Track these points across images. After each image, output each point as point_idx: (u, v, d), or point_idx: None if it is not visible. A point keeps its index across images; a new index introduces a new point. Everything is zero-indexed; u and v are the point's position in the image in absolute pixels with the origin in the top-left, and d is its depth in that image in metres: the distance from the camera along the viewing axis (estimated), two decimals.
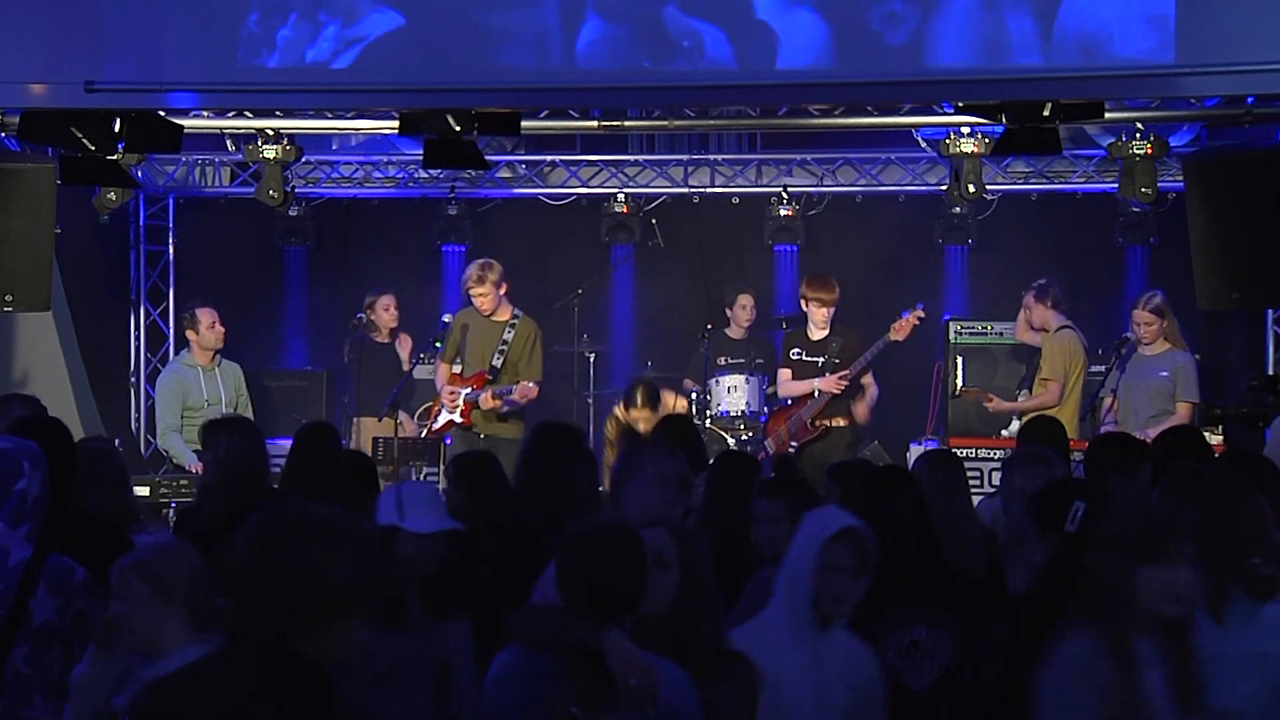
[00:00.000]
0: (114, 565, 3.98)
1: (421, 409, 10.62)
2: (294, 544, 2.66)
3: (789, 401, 10.28)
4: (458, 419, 9.94)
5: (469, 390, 9.89)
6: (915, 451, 10.02)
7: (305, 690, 2.62)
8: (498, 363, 9.90)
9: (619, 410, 9.67)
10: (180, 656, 3.68)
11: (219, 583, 4.09)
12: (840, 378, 9.99)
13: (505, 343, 9.93)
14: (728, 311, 11.08)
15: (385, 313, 11.18)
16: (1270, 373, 10.90)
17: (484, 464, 6.08)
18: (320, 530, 2.68)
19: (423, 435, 10.36)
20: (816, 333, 10.27)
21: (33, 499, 4.61)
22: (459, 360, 10.06)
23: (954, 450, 9.53)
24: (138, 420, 12.43)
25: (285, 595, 2.63)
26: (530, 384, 9.74)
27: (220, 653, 2.71)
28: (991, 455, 9.68)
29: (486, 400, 9.76)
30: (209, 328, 10.44)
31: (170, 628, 3.89)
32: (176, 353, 12.25)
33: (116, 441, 10.78)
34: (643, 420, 9.44)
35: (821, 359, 10.13)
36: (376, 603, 2.72)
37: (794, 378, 10.24)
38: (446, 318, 10.12)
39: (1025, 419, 9.00)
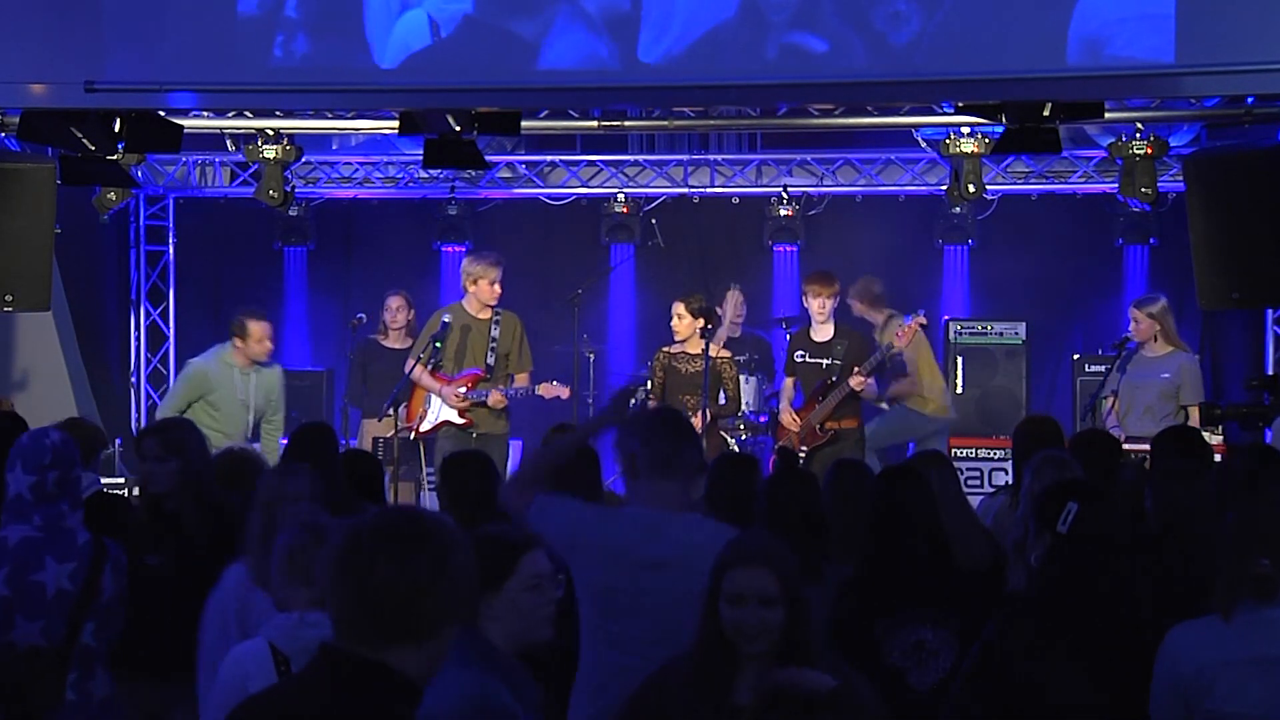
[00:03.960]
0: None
1: (398, 408, 10.06)
2: (410, 551, 2.58)
3: (799, 403, 10.12)
4: (457, 420, 9.86)
5: (464, 389, 9.82)
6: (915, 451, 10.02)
7: (396, 707, 2.55)
8: (491, 360, 9.86)
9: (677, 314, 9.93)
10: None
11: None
12: (795, 420, 9.86)
13: (494, 339, 9.87)
14: (718, 310, 10.94)
15: (392, 315, 11.10)
16: (1270, 373, 10.90)
17: (479, 465, 6.05)
18: (436, 538, 2.60)
19: (411, 437, 10.04)
20: (820, 333, 9.99)
21: (84, 487, 5.07)
22: (434, 361, 9.89)
23: (954, 450, 9.58)
24: (138, 420, 12.43)
25: (395, 603, 2.55)
26: (556, 383, 9.92)
27: (313, 667, 2.62)
28: (991, 455, 9.68)
29: (496, 399, 9.78)
30: (258, 341, 9.75)
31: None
32: (178, 350, 12.28)
33: (117, 441, 10.86)
34: (678, 317, 9.85)
35: (826, 360, 9.85)
36: (468, 615, 2.65)
37: (799, 381, 10.05)
38: (447, 317, 10.00)
39: (1022, 419, 8.98)
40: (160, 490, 5.56)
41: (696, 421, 9.24)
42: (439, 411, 9.92)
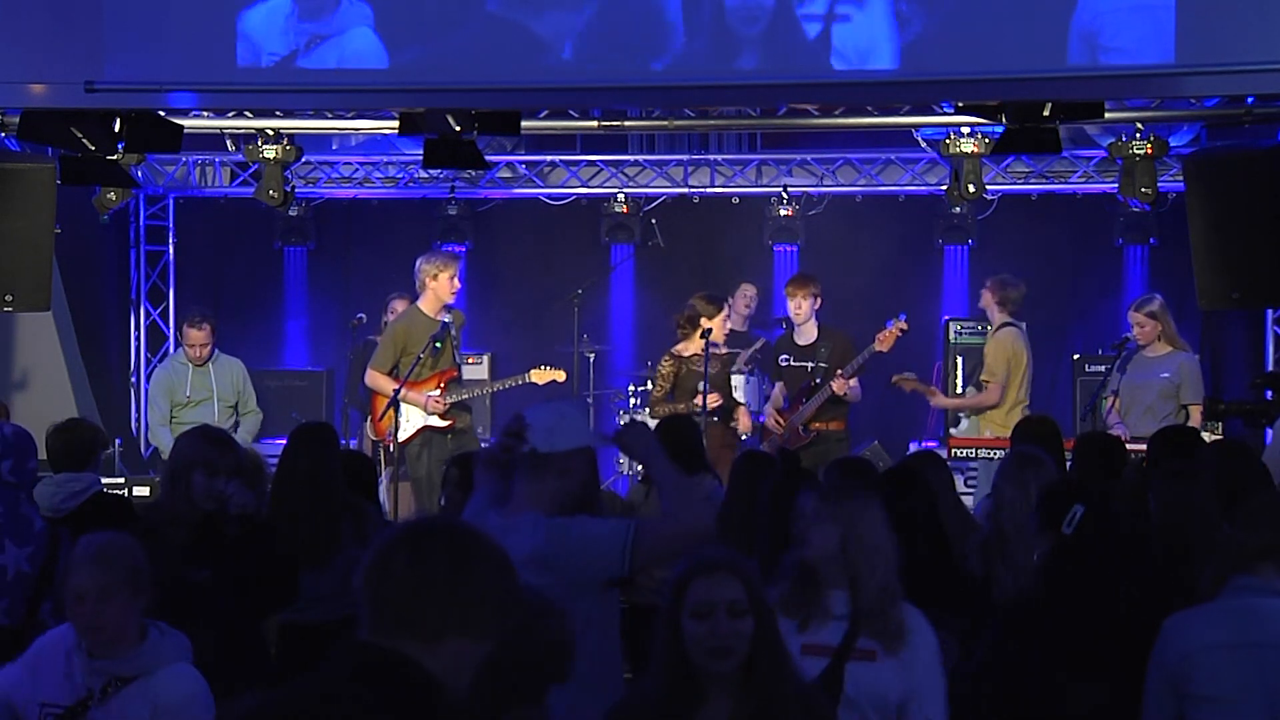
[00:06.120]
0: (90, 562, 3.99)
1: (378, 417, 9.71)
2: (423, 551, 2.63)
3: (786, 405, 10.06)
4: (439, 423, 9.51)
5: (440, 391, 9.52)
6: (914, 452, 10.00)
7: (418, 702, 2.58)
8: (456, 358, 9.72)
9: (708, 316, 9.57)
10: (146, 651, 3.92)
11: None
12: (779, 423, 9.76)
13: (454, 336, 9.71)
14: (729, 301, 10.84)
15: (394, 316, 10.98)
16: (1270, 371, 10.91)
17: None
18: (460, 550, 2.65)
19: (392, 448, 9.58)
20: (803, 335, 9.87)
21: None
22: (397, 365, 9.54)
23: (954, 450, 9.56)
24: (138, 420, 12.43)
25: (394, 594, 2.61)
26: (548, 367, 9.90)
27: (332, 658, 2.66)
28: (991, 455, 9.66)
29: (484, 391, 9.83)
30: (191, 345, 10.27)
31: (135, 621, 4.00)
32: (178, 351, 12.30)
33: (117, 441, 10.88)
34: (716, 326, 9.44)
35: (810, 364, 9.75)
36: (500, 627, 2.65)
37: (785, 385, 9.93)
38: (447, 317, 9.85)
39: (1020, 419, 8.99)
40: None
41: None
42: (421, 417, 9.54)
